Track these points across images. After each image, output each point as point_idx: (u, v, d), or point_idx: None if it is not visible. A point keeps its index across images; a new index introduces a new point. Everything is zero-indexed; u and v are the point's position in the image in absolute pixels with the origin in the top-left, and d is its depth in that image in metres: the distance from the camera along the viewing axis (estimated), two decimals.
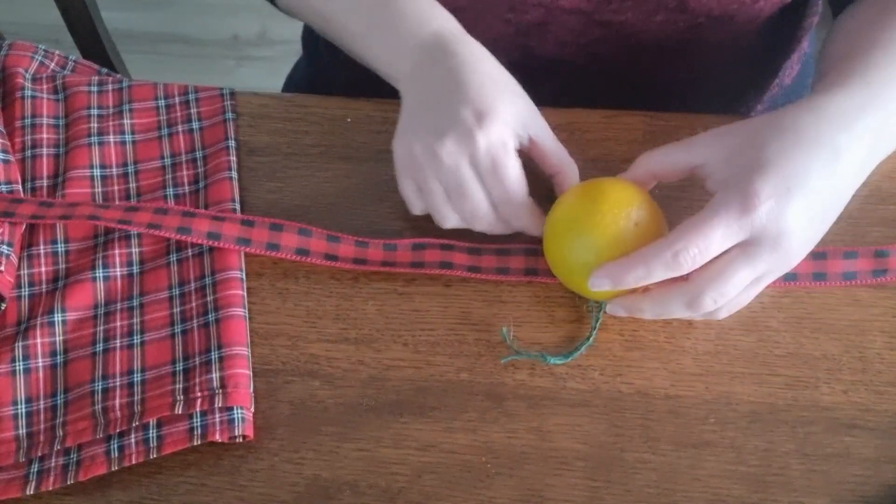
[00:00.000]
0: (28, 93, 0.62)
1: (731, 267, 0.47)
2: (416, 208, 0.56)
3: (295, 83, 0.88)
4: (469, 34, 0.56)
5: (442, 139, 0.51)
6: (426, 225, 0.57)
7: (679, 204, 0.57)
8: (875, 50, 0.53)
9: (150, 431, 0.50)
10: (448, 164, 0.52)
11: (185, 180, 0.59)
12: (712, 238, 0.46)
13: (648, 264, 0.47)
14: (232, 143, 0.60)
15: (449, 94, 0.53)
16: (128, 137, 0.61)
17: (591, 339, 0.53)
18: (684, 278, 0.49)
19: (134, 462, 0.49)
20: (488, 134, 0.51)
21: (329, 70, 0.77)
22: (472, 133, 0.51)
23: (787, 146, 0.48)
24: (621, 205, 0.50)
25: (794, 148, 0.48)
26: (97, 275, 0.55)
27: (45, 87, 0.63)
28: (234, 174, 0.59)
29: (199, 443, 0.49)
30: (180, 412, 0.49)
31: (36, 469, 0.49)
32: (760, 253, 0.47)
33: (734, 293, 0.48)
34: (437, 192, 0.53)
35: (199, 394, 0.50)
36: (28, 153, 0.60)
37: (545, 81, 0.58)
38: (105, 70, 0.66)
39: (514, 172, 0.52)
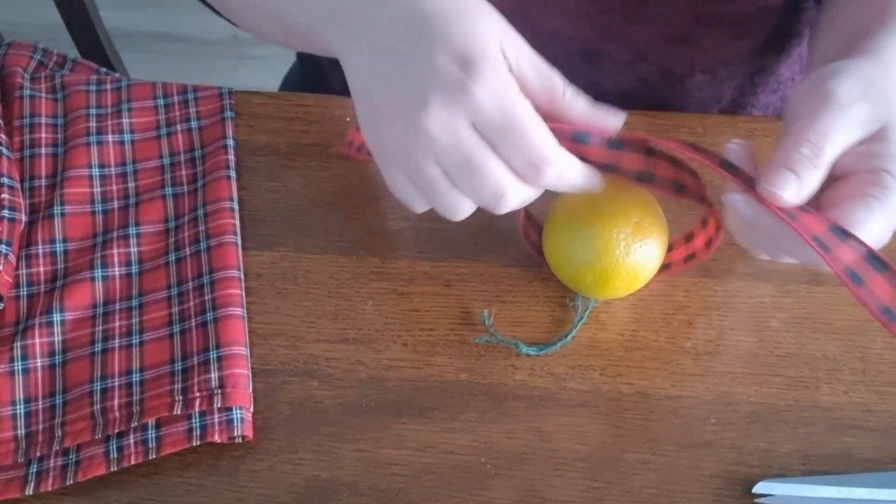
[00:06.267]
0: (27, 92, 0.62)
1: None
2: (418, 204, 0.44)
3: (291, 85, 0.88)
4: None
5: (425, 107, 0.38)
6: (427, 224, 0.57)
7: (680, 205, 0.57)
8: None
9: (149, 432, 0.49)
10: (442, 139, 0.39)
11: (184, 179, 0.59)
12: None
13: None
14: (230, 142, 0.60)
15: (412, 39, 0.39)
16: (126, 137, 0.61)
17: (570, 336, 0.52)
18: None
19: (133, 462, 0.49)
20: (485, 81, 0.38)
21: (324, 71, 0.77)
22: (464, 85, 0.38)
23: None
24: (622, 203, 0.50)
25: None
26: (96, 274, 0.55)
27: (43, 86, 0.63)
28: (232, 173, 0.59)
29: (198, 443, 0.49)
30: (179, 412, 0.49)
31: (35, 469, 0.49)
32: None
33: None
34: (436, 178, 0.41)
35: (197, 394, 0.50)
36: (27, 152, 0.60)
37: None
38: (104, 69, 0.65)
39: (534, 122, 0.39)
